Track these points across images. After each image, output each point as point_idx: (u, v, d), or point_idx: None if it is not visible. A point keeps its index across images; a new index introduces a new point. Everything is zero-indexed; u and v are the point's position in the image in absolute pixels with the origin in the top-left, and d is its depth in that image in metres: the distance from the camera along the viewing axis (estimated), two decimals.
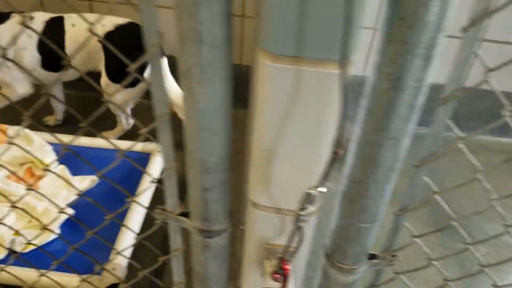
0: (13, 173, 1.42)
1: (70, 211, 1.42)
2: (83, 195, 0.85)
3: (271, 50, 0.40)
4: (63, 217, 1.39)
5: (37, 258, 1.22)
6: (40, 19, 1.76)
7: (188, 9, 0.39)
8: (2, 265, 1.11)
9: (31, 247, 1.32)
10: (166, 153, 0.58)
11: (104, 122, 2.03)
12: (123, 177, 1.58)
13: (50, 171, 0.85)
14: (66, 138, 1.67)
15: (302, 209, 0.45)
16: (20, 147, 0.82)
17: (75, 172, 1.64)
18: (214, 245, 0.62)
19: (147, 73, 1.94)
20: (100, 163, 1.64)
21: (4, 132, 1.72)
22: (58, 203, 1.46)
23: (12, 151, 1.68)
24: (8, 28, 1.73)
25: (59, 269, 0.99)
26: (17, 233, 1.33)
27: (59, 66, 1.84)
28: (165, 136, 0.55)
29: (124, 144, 1.69)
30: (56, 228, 1.38)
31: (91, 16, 1.80)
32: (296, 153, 0.47)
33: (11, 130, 1.75)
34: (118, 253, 1.09)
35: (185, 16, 0.40)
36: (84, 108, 2.07)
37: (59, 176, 0.84)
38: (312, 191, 0.44)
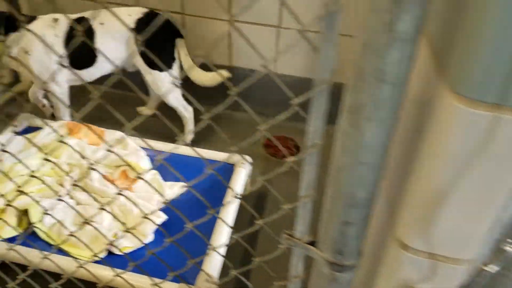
0: (107, 176, 1.50)
1: (164, 216, 1.47)
2: (168, 203, 0.88)
3: (468, 94, 0.38)
4: (158, 220, 1.44)
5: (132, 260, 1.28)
6: (63, 20, 1.85)
7: (377, 49, 0.38)
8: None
9: (127, 249, 1.38)
10: (307, 182, 0.57)
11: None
12: (211, 185, 1.61)
13: (142, 178, 0.87)
14: (155, 144, 1.71)
15: (488, 264, 0.43)
16: (117, 154, 0.86)
17: (166, 177, 1.70)
18: (341, 279, 0.61)
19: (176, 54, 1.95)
20: (189, 170, 1.68)
21: (100, 137, 1.83)
22: (152, 207, 1.54)
23: (107, 153, 1.77)
24: (38, 31, 1.80)
25: (155, 273, 1.01)
26: (115, 235, 1.39)
27: (86, 64, 1.91)
28: (310, 167, 0.55)
29: (209, 154, 1.74)
30: (150, 232, 1.43)
31: (123, 11, 1.87)
32: (471, 200, 0.44)
33: (108, 134, 1.85)
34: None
35: (371, 55, 0.39)
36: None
37: (149, 183, 0.86)
38: (508, 248, 0.41)
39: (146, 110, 2.22)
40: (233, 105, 0.61)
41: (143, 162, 1.71)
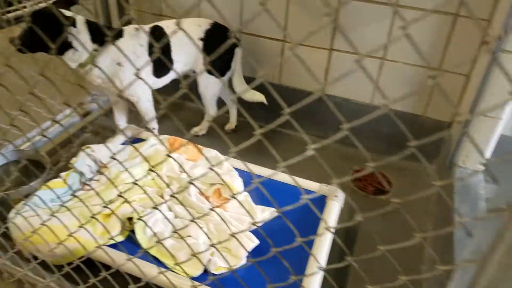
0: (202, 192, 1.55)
1: (256, 241, 1.50)
2: (258, 227, 0.89)
3: None
4: (251, 245, 1.47)
5: (225, 281, 1.31)
6: (143, 29, 1.95)
7: None
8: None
9: (222, 270, 1.41)
10: (477, 245, 0.55)
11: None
12: (301, 214, 1.61)
13: (236, 198, 0.89)
14: (253, 167, 1.72)
15: None
16: (216, 172, 0.90)
17: (255, 200, 1.73)
18: None
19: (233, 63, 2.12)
20: (281, 196, 1.69)
21: (200, 151, 1.91)
22: (241, 228, 1.58)
23: (204, 170, 1.85)
24: (126, 41, 1.88)
25: None
26: (213, 253, 1.44)
27: (164, 72, 2.03)
28: (486, 231, 0.53)
29: (304, 183, 1.75)
30: (244, 256, 1.45)
31: (186, 22, 2.01)
32: None
33: (206, 151, 1.93)
34: None
35: None
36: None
37: (242, 205, 0.88)
38: None
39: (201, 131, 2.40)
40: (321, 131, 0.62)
41: (237, 183, 1.76)
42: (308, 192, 1.72)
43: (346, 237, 1.76)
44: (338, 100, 2.23)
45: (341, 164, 2.18)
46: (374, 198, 2.01)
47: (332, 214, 1.58)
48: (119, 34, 1.86)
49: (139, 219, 1.49)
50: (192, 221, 0.94)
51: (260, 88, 2.32)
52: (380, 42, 1.95)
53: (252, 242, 1.48)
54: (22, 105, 0.93)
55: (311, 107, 2.24)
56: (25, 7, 3.59)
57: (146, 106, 2.05)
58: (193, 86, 2.22)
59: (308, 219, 1.59)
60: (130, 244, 1.47)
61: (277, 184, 1.79)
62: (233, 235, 0.89)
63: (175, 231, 0.96)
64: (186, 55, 2.02)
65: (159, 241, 1.07)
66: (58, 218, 1.09)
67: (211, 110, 2.24)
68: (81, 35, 1.70)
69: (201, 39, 2.00)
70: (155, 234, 1.42)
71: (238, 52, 2.14)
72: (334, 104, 0.64)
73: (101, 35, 1.75)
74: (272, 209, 1.67)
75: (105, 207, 1.02)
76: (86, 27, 1.72)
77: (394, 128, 0.69)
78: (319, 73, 2.19)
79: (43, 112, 2.02)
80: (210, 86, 2.13)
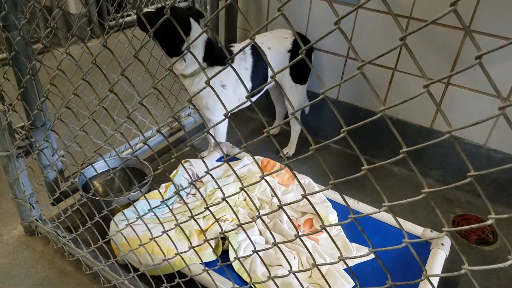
0: (292, 220, 1.48)
1: (351, 282, 1.40)
2: (349, 269, 0.79)
3: None
4: (347, 287, 1.38)
5: None
6: (248, 52, 1.96)
7: None
8: None
9: None
10: None
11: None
12: (400, 258, 1.50)
13: (327, 233, 0.82)
14: (348, 200, 1.62)
15: None
16: (310, 202, 0.83)
17: (352, 237, 1.64)
18: None
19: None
20: (380, 237, 1.57)
21: (294, 177, 1.86)
22: (337, 266, 1.49)
23: (297, 197, 1.80)
24: (236, 66, 1.90)
25: None
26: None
27: (258, 92, 2.02)
28: None
29: (407, 226, 1.63)
30: None
31: (273, 35, 2.07)
32: None
33: (299, 177, 1.88)
34: None
35: None
36: None
37: (333, 241, 0.80)
38: None
39: (272, 130, 2.49)
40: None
41: (332, 216, 1.68)
42: (411, 236, 1.62)
43: (445, 286, 1.61)
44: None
45: (442, 207, 2.02)
46: (477, 247, 1.83)
47: (436, 264, 1.45)
48: (229, 51, 1.90)
49: (228, 240, 1.47)
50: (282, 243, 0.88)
51: (353, 114, 2.24)
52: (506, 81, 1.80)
53: (348, 283, 1.39)
54: (130, 114, 0.95)
55: (418, 142, 2.09)
56: (130, 15, 3.83)
57: (224, 129, 2.09)
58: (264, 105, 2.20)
59: (409, 267, 1.47)
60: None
61: (376, 222, 1.69)
62: (317, 267, 0.81)
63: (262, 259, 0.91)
64: (276, 69, 2.01)
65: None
66: (168, 234, 1.09)
67: (297, 123, 2.24)
68: (196, 50, 1.73)
69: (289, 51, 2.03)
70: (248, 258, 1.38)
71: (312, 58, 2.23)
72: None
73: (213, 56, 1.78)
74: (368, 248, 1.57)
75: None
76: (204, 45, 1.76)
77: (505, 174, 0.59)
78: (428, 106, 2.06)
79: (147, 122, 2.12)
80: (296, 94, 2.15)
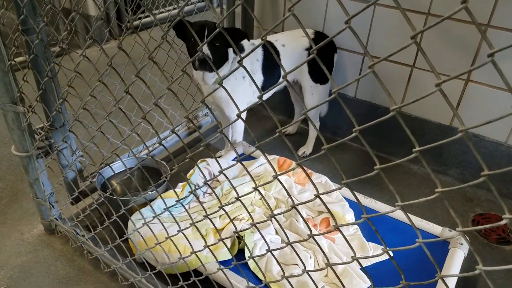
0: (308, 219, 1.47)
1: (368, 281, 1.39)
2: (363, 267, 0.78)
3: None
4: (364, 286, 1.37)
5: None
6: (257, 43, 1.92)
7: None
8: None
9: None
10: None
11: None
12: (418, 257, 1.48)
13: (341, 232, 0.81)
14: (365, 200, 1.60)
15: None
16: (322, 201, 0.82)
17: (366, 234, 1.63)
18: None
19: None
20: (398, 236, 1.54)
21: (309, 177, 1.85)
22: (353, 266, 1.48)
23: (313, 197, 1.79)
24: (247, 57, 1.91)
25: None
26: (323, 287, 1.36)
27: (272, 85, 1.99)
28: None
29: (425, 225, 1.60)
30: None
31: (292, 33, 2.07)
32: None
33: (315, 177, 1.88)
34: None
35: None
36: None
37: (348, 242, 0.79)
38: None
39: (289, 129, 2.51)
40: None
41: (349, 215, 1.66)
42: (429, 236, 1.59)
43: (464, 286, 1.58)
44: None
45: (461, 205, 1.99)
46: (497, 247, 1.79)
47: (455, 264, 1.43)
48: (242, 49, 1.91)
49: (243, 239, 1.48)
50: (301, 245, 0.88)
51: (371, 111, 2.22)
52: None
53: (365, 283, 1.37)
54: (145, 115, 0.96)
55: (437, 140, 2.05)
56: (148, 16, 3.87)
57: (241, 127, 2.10)
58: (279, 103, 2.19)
59: (427, 266, 1.45)
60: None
61: (394, 221, 1.67)
62: (331, 267, 0.81)
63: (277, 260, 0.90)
64: (292, 66, 2.02)
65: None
66: (183, 233, 1.10)
67: (315, 122, 2.23)
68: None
69: (306, 49, 2.02)
70: (263, 257, 1.38)
71: (335, 59, 2.18)
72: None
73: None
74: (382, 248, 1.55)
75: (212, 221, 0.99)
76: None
77: None
78: (446, 104, 2.02)
79: (164, 122, 2.14)
80: (316, 94, 2.12)
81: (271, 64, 1.97)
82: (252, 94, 1.99)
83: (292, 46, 2.01)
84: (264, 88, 2.02)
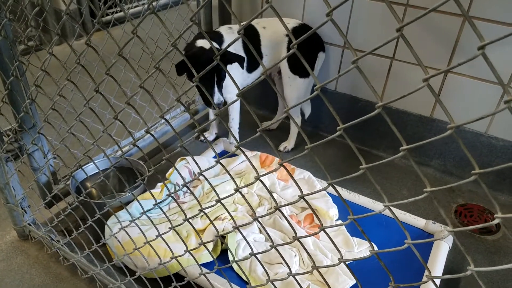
0: (292, 216, 1.45)
1: (353, 279, 1.37)
2: (348, 267, 0.76)
3: None
4: (349, 283, 1.35)
5: None
6: (235, 27, 2.00)
7: None
8: None
9: None
10: None
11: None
12: (405, 252, 1.46)
13: (326, 233, 0.79)
14: (348, 195, 1.58)
15: None
16: (307, 202, 0.79)
17: (350, 230, 1.61)
18: None
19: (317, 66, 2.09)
20: (383, 229, 1.53)
21: (291, 175, 1.83)
22: (342, 265, 1.46)
23: (296, 192, 1.76)
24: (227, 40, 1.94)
25: None
26: (309, 286, 1.34)
27: (255, 66, 2.06)
28: None
29: (410, 218, 1.59)
30: None
31: (274, 18, 2.06)
32: None
33: (297, 172, 1.85)
34: None
35: None
36: None
37: (331, 239, 0.77)
38: None
39: (272, 125, 2.47)
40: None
41: (332, 211, 1.64)
42: (414, 229, 1.58)
43: (448, 272, 1.58)
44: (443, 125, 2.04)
45: (444, 196, 1.99)
46: (480, 237, 1.80)
47: (440, 257, 1.42)
48: (220, 36, 1.92)
49: (224, 239, 1.44)
50: (282, 243, 0.85)
51: (352, 105, 2.20)
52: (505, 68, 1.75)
53: (350, 280, 1.35)
54: (117, 115, 0.90)
55: (418, 132, 2.05)
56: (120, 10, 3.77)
57: (237, 105, 2.14)
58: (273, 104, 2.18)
59: (413, 261, 1.44)
60: (220, 263, 1.42)
61: (379, 215, 1.65)
62: (317, 269, 0.78)
63: (261, 251, 0.87)
64: (273, 50, 2.02)
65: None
66: (162, 238, 1.05)
67: (296, 118, 2.21)
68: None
69: (287, 35, 1.99)
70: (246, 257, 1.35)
71: (321, 57, 2.13)
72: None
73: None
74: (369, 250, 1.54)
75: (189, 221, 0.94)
76: None
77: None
78: (428, 95, 2.01)
79: (141, 120, 2.07)
80: (295, 87, 2.08)
81: (251, 43, 1.96)
82: (241, 75, 2.03)
83: (272, 29, 1.99)
84: (250, 68, 2.04)
